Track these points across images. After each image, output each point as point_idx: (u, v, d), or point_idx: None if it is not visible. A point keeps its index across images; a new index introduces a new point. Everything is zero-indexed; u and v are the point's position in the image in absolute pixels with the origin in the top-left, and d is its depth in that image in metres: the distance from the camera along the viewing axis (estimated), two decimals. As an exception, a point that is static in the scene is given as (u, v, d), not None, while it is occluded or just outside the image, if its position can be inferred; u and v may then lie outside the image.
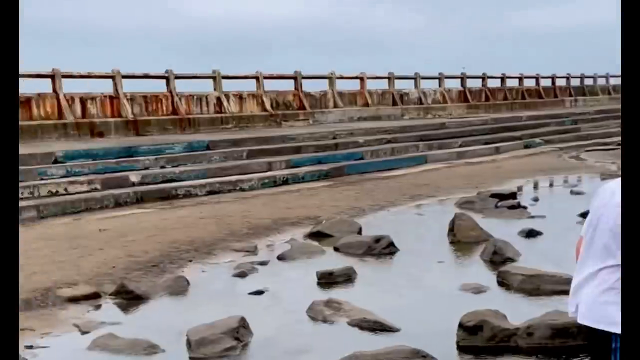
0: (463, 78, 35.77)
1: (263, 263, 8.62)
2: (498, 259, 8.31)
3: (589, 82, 46.75)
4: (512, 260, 8.23)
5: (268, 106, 24.78)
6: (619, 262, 3.13)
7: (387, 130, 23.34)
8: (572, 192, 13.97)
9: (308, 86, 27.28)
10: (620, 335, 3.19)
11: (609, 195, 3.27)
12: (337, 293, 7.19)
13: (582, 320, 3.33)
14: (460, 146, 23.42)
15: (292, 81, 26.59)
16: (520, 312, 6.03)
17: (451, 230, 9.81)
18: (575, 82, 45.04)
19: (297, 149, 19.16)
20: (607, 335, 3.22)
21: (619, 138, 17.12)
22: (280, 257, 8.94)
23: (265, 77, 25.19)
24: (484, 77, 37.34)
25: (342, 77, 29.23)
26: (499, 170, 18.78)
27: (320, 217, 11.47)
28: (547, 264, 7.69)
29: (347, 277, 7.83)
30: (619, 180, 3.30)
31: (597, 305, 3.27)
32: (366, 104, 29.49)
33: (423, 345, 5.39)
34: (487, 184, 15.60)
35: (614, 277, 3.19)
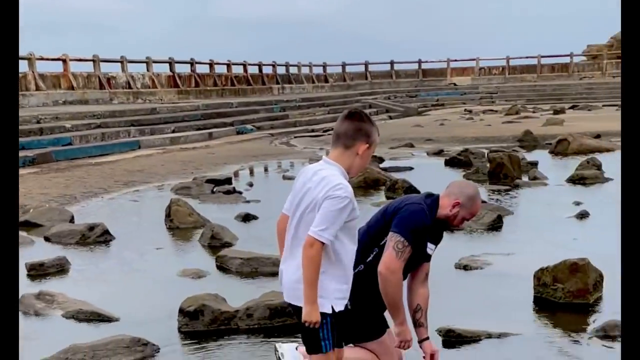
0: (171, 63, 35.62)
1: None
2: (216, 243, 8.40)
3: (293, 70, 48.99)
4: (230, 244, 8.37)
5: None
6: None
7: (96, 114, 22.53)
8: (284, 177, 14.54)
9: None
10: (324, 312, 3.38)
11: (311, 174, 3.46)
12: (50, 285, 6.81)
13: (286, 298, 3.47)
14: (174, 132, 23.35)
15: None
16: (239, 294, 6.13)
17: (168, 216, 9.74)
18: (281, 70, 46.95)
19: (-3, 133, 17.75)
20: None
21: (325, 125, 18.40)
22: (-17, 250, 8.23)
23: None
24: (192, 63, 37.49)
25: (42, 59, 27.60)
26: (213, 156, 19.02)
27: (27, 205, 10.75)
28: (264, 247, 7.93)
29: (60, 268, 7.44)
30: (320, 162, 3.52)
31: (294, 283, 3.42)
32: (71, 87, 28.18)
33: (144, 333, 5.28)
34: (203, 170, 15.74)
35: None
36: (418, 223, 4.07)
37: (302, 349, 4.04)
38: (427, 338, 4.30)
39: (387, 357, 4.19)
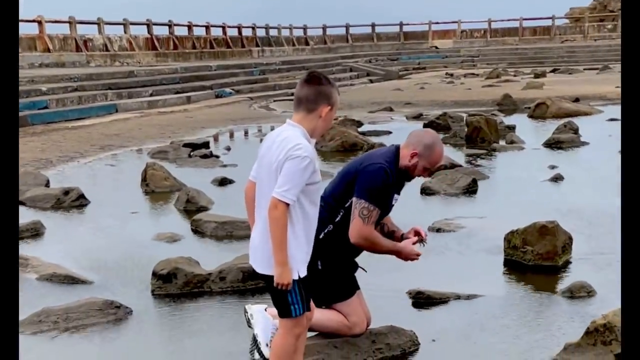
0: (149, 25, 35.22)
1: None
2: (192, 207, 8.41)
3: (274, 32, 48.62)
4: (205, 208, 8.38)
5: None
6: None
7: (73, 77, 22.33)
8: (262, 142, 14.50)
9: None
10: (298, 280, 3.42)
11: (275, 135, 3.49)
12: (24, 249, 6.78)
13: (256, 267, 3.50)
14: (151, 95, 23.18)
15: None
16: (213, 258, 6.17)
17: (144, 180, 9.72)
18: (261, 33, 46.56)
19: (-28, 96, 17.56)
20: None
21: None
22: (-43, 215, 8.20)
23: None
24: (170, 25, 37.09)
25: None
26: (191, 120, 18.93)
27: (1, 170, 10.68)
28: (239, 211, 7.92)
29: (34, 232, 7.43)
30: (284, 125, 3.54)
31: (260, 250, 3.45)
32: (47, 50, 27.83)
33: (117, 296, 5.34)
34: (180, 134, 15.69)
35: None
36: (379, 184, 4.10)
37: (271, 310, 4.10)
38: (403, 233, 4.39)
39: (355, 318, 4.25)
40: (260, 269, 3.48)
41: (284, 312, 3.48)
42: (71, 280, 5.92)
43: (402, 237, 4.40)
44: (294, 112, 3.51)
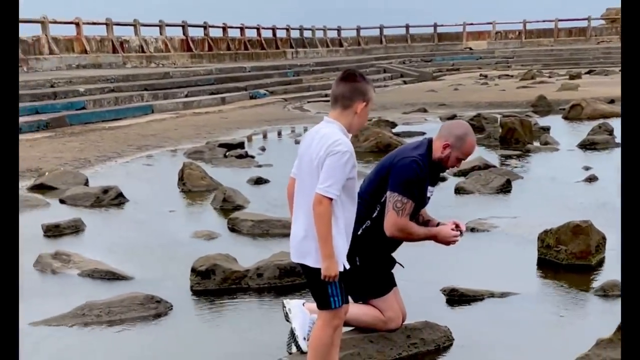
0: (185, 26, 35.57)
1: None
2: (228, 206, 8.55)
3: (307, 34, 48.79)
4: (241, 207, 8.52)
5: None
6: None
7: (109, 78, 22.66)
8: (296, 142, 14.60)
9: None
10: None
11: (314, 133, 3.60)
12: (66, 245, 6.98)
13: (294, 258, 3.60)
14: (187, 96, 23.44)
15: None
16: (250, 255, 6.28)
17: (181, 179, 9.89)
18: (295, 34, 46.76)
19: (12, 97, 17.92)
20: (320, 270, 3.51)
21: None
22: (1, 212, 8.43)
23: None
24: (205, 26, 37.41)
25: (55, 22, 27.66)
26: (226, 120, 19.12)
27: (42, 169, 10.94)
28: (274, 210, 8.08)
29: (75, 229, 7.62)
30: (321, 122, 3.64)
31: (300, 242, 3.55)
32: (85, 51, 28.27)
33: (157, 291, 5.46)
34: (216, 134, 15.87)
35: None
36: (412, 177, 4.17)
37: (309, 305, 4.20)
38: (439, 222, 4.45)
39: (391, 313, 4.33)
40: (302, 261, 3.58)
41: (323, 304, 3.58)
42: (112, 275, 6.07)
43: (438, 225, 4.48)
44: (331, 109, 3.62)
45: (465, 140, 4.33)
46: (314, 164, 3.49)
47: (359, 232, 4.20)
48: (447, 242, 4.36)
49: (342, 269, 3.49)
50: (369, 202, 4.29)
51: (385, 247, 4.34)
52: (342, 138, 3.46)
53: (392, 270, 4.49)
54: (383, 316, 4.32)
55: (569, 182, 9.48)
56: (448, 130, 4.38)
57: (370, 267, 4.26)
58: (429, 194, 4.39)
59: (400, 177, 4.19)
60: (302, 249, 3.57)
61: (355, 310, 4.31)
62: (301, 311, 4.27)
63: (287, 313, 4.36)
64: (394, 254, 4.49)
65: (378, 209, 4.28)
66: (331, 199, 3.39)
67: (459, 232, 4.34)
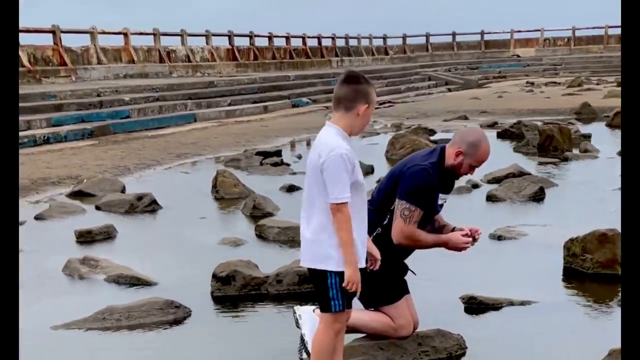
0: (230, 36, 35.94)
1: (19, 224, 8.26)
2: (258, 213, 8.60)
3: (353, 42, 48.85)
4: (271, 214, 8.56)
5: (25, 62, 23.37)
6: (325, 202, 3.46)
7: (155, 88, 23.01)
8: (333, 149, 14.63)
9: (68, 41, 26.08)
10: (333, 272, 3.52)
11: (316, 140, 3.63)
12: (96, 251, 7.11)
13: (303, 263, 3.63)
14: (230, 105, 23.66)
15: (50, 35, 25.19)
16: (273, 262, 6.31)
17: (214, 187, 9.99)
18: (340, 43, 46.87)
19: (58, 106, 18.37)
20: (323, 273, 3.53)
21: (382, 98, 18.27)
22: (38, 217, 8.63)
23: (20, 31, 23.74)
24: (251, 36, 37.74)
25: (104, 32, 28.20)
26: (266, 129, 19.24)
27: (81, 176, 11.16)
28: (302, 216, 8.09)
29: (107, 235, 7.75)
30: (324, 126, 3.66)
31: (309, 246, 3.58)
32: (132, 61, 28.76)
33: (178, 296, 5.52)
34: (255, 142, 15.98)
35: (322, 217, 3.50)
36: (420, 185, 4.15)
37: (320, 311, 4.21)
38: (454, 227, 4.42)
39: (402, 321, 4.30)
40: (308, 264, 3.61)
41: (324, 307, 3.60)
42: (137, 281, 6.16)
43: (452, 230, 4.45)
44: (333, 111, 3.64)
45: (479, 147, 4.29)
46: (313, 168, 3.53)
47: (370, 239, 4.19)
48: (458, 248, 4.33)
49: (338, 270, 3.51)
50: (380, 209, 4.28)
51: (397, 254, 4.33)
52: (336, 143, 3.48)
53: (406, 278, 4.47)
54: (394, 323, 4.30)
55: (605, 190, 9.30)
56: (461, 137, 4.34)
57: (382, 273, 4.24)
58: (440, 202, 4.36)
59: (408, 185, 4.17)
60: (309, 252, 3.59)
61: (366, 316, 4.31)
62: (311, 317, 4.28)
63: (297, 319, 4.37)
64: (407, 261, 4.47)
65: (388, 216, 4.27)
66: (346, 203, 3.41)
67: (470, 239, 4.30)
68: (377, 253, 3.90)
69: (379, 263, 3.92)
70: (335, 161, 3.42)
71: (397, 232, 4.17)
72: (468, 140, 4.29)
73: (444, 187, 4.34)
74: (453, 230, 4.46)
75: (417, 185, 4.15)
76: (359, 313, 4.28)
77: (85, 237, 7.65)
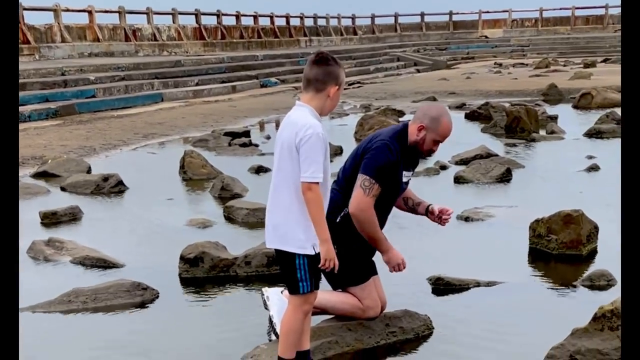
0: (197, 14, 35.58)
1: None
2: (226, 194, 8.56)
3: (322, 22, 48.66)
4: (240, 195, 8.52)
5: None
6: (295, 182, 3.45)
7: (120, 67, 22.72)
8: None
9: (31, 19, 25.61)
10: (301, 254, 3.52)
11: (285, 118, 3.61)
12: (61, 232, 7.03)
13: (269, 244, 3.61)
14: (197, 84, 23.47)
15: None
16: (241, 243, 6.29)
17: (182, 167, 9.92)
18: (309, 22, 46.65)
19: (22, 85, 18.03)
20: (290, 254, 3.52)
21: (351, 78, 18.24)
22: (1, 199, 8.50)
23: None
24: (218, 15, 37.40)
25: (68, 10, 27.74)
26: (235, 109, 19.13)
27: (46, 156, 11.01)
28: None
29: (72, 217, 7.66)
30: (294, 106, 3.65)
31: (276, 227, 3.57)
32: (97, 39, 28.36)
33: (145, 278, 5.48)
34: (223, 123, 15.89)
35: (290, 197, 3.49)
36: (382, 161, 4.15)
37: (287, 293, 4.20)
38: (430, 204, 4.45)
39: (369, 302, 4.32)
40: (276, 246, 3.59)
41: (292, 288, 3.60)
42: (103, 263, 6.10)
43: (427, 209, 4.47)
44: (303, 91, 3.63)
45: (440, 121, 4.28)
46: (285, 149, 3.51)
47: (338, 220, 4.20)
48: (390, 264, 4.34)
49: (312, 253, 3.50)
50: (346, 189, 4.27)
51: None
52: (311, 121, 3.47)
53: (373, 259, 4.48)
54: (361, 304, 4.31)
55: (571, 171, 9.41)
56: (423, 113, 4.36)
57: (349, 254, 4.24)
58: (405, 179, 4.36)
59: (371, 161, 4.17)
60: (277, 233, 3.58)
61: (334, 298, 4.32)
62: (279, 299, 4.28)
63: (265, 300, 4.37)
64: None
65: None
66: (318, 183, 3.41)
67: (403, 266, 4.35)
68: (397, 258, 4.30)
69: (403, 264, 4.27)
70: (313, 140, 3.41)
71: (355, 203, 4.14)
72: (430, 114, 4.29)
73: (407, 164, 4.34)
74: (428, 208, 4.48)
75: (378, 159, 4.15)
76: (326, 294, 4.29)
77: (50, 219, 7.55)
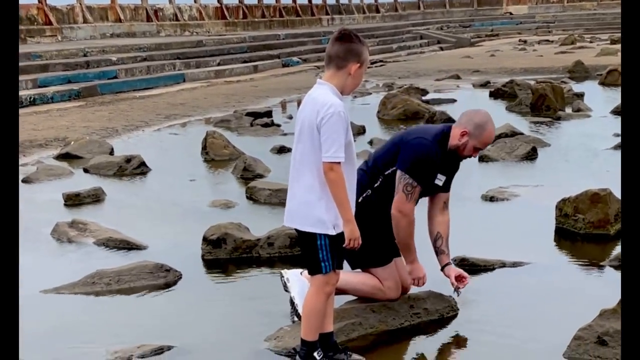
0: (219, -6, 35.40)
1: (5, 188, 8.16)
2: (249, 175, 8.53)
3: (344, 0, 48.28)
4: (261, 176, 8.49)
5: (11, 21, 22.99)
6: (317, 162, 3.40)
7: (142, 47, 22.70)
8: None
9: (53, 0, 25.62)
10: (322, 234, 3.47)
11: (307, 97, 3.55)
12: (85, 214, 7.02)
13: (288, 223, 3.57)
14: (219, 64, 23.38)
15: (33, -7, 24.75)
16: (265, 224, 6.24)
17: (204, 148, 9.89)
18: (331, 1, 46.28)
19: (44, 67, 18.09)
20: (312, 235, 3.48)
21: (373, 57, 18.00)
22: (25, 180, 8.52)
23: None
24: (240, -7, 37.20)
25: (89, -10, 27.73)
26: (256, 89, 19.05)
27: (68, 138, 11.03)
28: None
29: (95, 198, 7.66)
30: (315, 85, 3.59)
31: (298, 207, 3.52)
32: (119, 20, 28.31)
33: (168, 260, 5.47)
34: (245, 103, 15.82)
35: (312, 177, 3.44)
36: (421, 158, 4.11)
37: (307, 274, 4.16)
38: (449, 263, 4.42)
39: (390, 283, 4.28)
40: (296, 225, 3.56)
41: (314, 269, 3.56)
42: (126, 244, 6.10)
43: (443, 267, 4.47)
44: (325, 69, 3.58)
45: (485, 129, 4.28)
46: (305, 128, 3.46)
47: (360, 200, 4.14)
48: (412, 276, 4.37)
49: (329, 232, 3.46)
50: (374, 172, 4.25)
51: (385, 217, 4.27)
52: (331, 100, 3.41)
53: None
54: (382, 285, 4.27)
55: (597, 150, 9.27)
56: (468, 118, 4.31)
57: (370, 235, 4.19)
58: (437, 182, 4.30)
59: (410, 156, 4.12)
60: (299, 213, 3.54)
61: (354, 279, 4.28)
62: (299, 279, 4.25)
63: (285, 283, 4.34)
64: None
65: (381, 179, 4.23)
66: (340, 163, 3.35)
67: (423, 282, 4.38)
68: (419, 271, 4.34)
69: (423, 280, 4.33)
70: (334, 119, 3.36)
71: (396, 206, 4.16)
72: (475, 121, 4.26)
73: (444, 168, 4.28)
74: (447, 265, 4.43)
75: (419, 158, 4.12)
76: (346, 275, 4.25)
77: (74, 200, 7.56)
